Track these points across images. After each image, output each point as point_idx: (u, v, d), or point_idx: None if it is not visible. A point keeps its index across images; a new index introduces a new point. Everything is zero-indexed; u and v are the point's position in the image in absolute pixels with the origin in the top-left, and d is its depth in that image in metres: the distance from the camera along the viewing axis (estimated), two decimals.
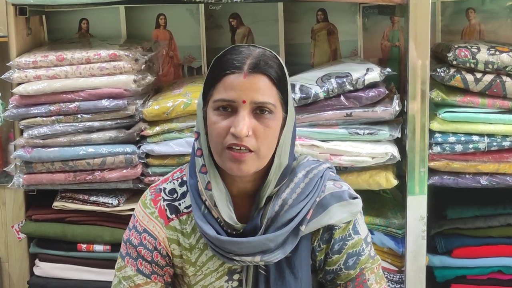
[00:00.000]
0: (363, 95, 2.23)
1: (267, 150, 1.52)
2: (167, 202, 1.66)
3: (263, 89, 1.49)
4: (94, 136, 2.30)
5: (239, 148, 1.48)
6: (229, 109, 1.50)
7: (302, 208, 1.56)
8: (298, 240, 1.58)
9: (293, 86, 2.27)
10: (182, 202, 1.66)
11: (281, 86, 1.53)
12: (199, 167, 1.59)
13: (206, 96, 1.56)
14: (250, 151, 1.49)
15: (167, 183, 1.69)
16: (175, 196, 1.67)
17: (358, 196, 1.65)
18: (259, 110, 1.50)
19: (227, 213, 1.56)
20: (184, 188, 1.67)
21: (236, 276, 1.66)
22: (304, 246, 1.62)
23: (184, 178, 1.68)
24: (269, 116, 1.51)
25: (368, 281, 1.65)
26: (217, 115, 1.51)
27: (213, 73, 1.54)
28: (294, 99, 2.23)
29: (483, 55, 2.21)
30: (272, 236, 1.54)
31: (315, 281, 1.70)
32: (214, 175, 1.57)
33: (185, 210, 1.65)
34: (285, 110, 1.56)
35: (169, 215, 1.66)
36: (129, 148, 2.30)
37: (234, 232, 1.58)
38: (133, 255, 1.67)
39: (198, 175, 1.59)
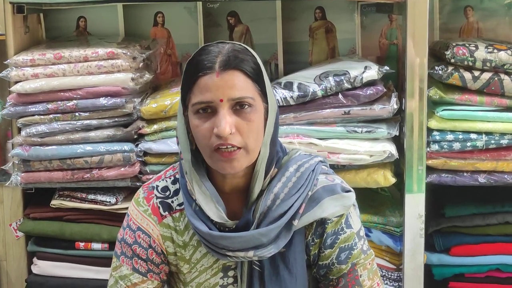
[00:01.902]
0: (361, 93, 2.23)
1: (255, 143, 1.52)
2: (160, 200, 1.66)
3: (238, 85, 1.48)
4: (92, 134, 2.31)
5: (226, 147, 1.48)
6: (209, 110, 1.50)
7: (294, 202, 1.56)
8: (292, 234, 1.58)
9: (291, 84, 2.28)
10: (175, 200, 1.66)
11: (256, 77, 1.52)
12: (185, 169, 1.60)
13: (184, 101, 1.56)
14: (238, 148, 1.49)
15: (159, 181, 1.69)
16: (167, 193, 1.67)
17: (351, 189, 1.65)
18: (238, 106, 1.49)
19: (215, 213, 1.56)
20: (177, 186, 1.67)
21: (231, 273, 1.66)
22: (298, 241, 1.62)
23: (177, 176, 1.68)
24: (250, 109, 1.50)
25: (360, 277, 1.64)
26: (198, 119, 1.51)
27: (186, 77, 1.53)
28: (292, 97, 2.23)
29: (481, 53, 2.21)
30: (264, 231, 1.54)
31: (310, 276, 1.70)
32: (195, 180, 1.57)
33: (178, 208, 1.65)
34: (265, 101, 1.55)
35: (162, 212, 1.66)
36: (127, 146, 2.31)
37: (227, 229, 1.58)
38: (128, 254, 1.67)
39: (186, 177, 1.60)
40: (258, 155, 1.55)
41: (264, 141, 1.55)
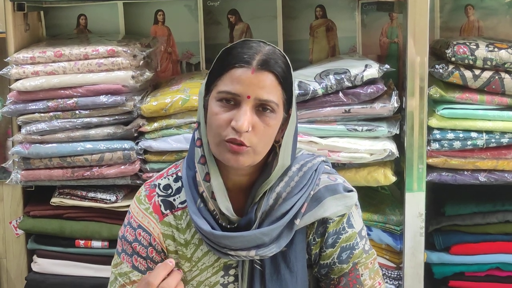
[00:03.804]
0: (361, 91, 2.23)
1: (264, 147, 1.53)
2: (161, 198, 1.67)
3: (269, 87, 1.49)
4: (92, 132, 2.30)
5: (237, 142, 1.48)
6: (232, 102, 1.50)
7: (296, 202, 1.57)
8: (293, 234, 1.59)
9: None
10: (177, 198, 1.66)
11: (286, 86, 1.53)
12: (198, 157, 1.59)
13: (210, 85, 1.56)
14: (248, 146, 1.49)
15: (161, 179, 1.69)
16: (169, 191, 1.67)
17: (353, 189, 1.65)
18: (261, 108, 1.50)
19: (225, 204, 1.57)
20: (179, 184, 1.67)
21: (232, 271, 1.66)
22: (299, 240, 1.62)
23: (179, 174, 1.68)
24: (271, 114, 1.51)
25: (361, 276, 1.65)
26: (219, 107, 1.51)
27: (221, 64, 1.53)
28: None
29: (482, 51, 2.21)
30: (266, 230, 1.54)
31: (311, 276, 1.70)
32: (213, 166, 1.58)
33: (180, 206, 1.66)
34: (286, 110, 1.56)
35: (163, 211, 1.66)
36: (127, 144, 2.30)
37: (228, 226, 1.58)
38: (129, 252, 1.67)
39: (197, 166, 1.59)
40: (267, 160, 1.56)
41: (281, 152, 1.56)
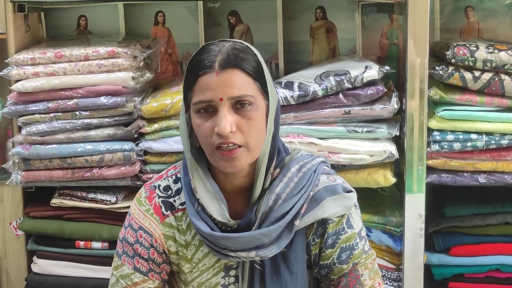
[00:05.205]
0: (361, 93, 2.23)
1: (256, 141, 1.52)
2: (162, 199, 1.67)
3: (238, 83, 1.49)
4: (92, 133, 2.30)
5: (227, 145, 1.48)
6: (210, 109, 1.51)
7: (296, 203, 1.57)
8: (293, 234, 1.59)
9: (291, 83, 2.28)
10: (177, 199, 1.67)
11: (257, 75, 1.52)
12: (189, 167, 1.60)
13: (186, 100, 1.57)
14: (239, 146, 1.49)
15: (161, 180, 1.70)
16: (169, 193, 1.67)
17: (353, 189, 1.65)
18: (239, 104, 1.50)
19: (218, 212, 1.57)
20: (179, 185, 1.67)
21: (232, 272, 1.66)
22: (299, 240, 1.62)
23: (178, 175, 1.69)
24: (250, 108, 1.50)
25: (361, 276, 1.65)
26: (199, 118, 1.52)
27: (188, 76, 1.54)
28: (292, 96, 2.23)
29: (482, 53, 2.21)
30: (266, 231, 1.55)
31: (311, 276, 1.70)
32: (198, 177, 1.58)
33: (180, 207, 1.66)
34: (267, 98, 1.55)
35: (164, 212, 1.66)
36: (127, 145, 2.30)
37: (228, 228, 1.58)
38: (130, 253, 1.67)
39: (190, 173, 1.60)
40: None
41: (266, 138, 1.55)
